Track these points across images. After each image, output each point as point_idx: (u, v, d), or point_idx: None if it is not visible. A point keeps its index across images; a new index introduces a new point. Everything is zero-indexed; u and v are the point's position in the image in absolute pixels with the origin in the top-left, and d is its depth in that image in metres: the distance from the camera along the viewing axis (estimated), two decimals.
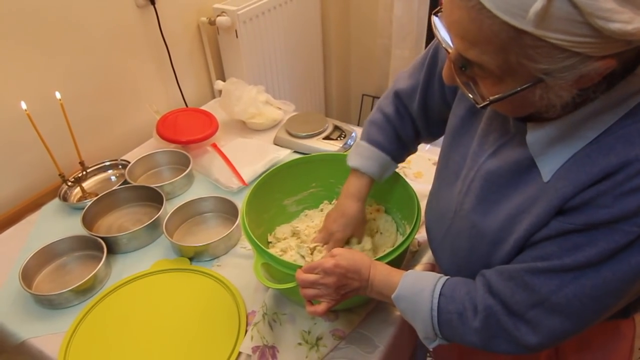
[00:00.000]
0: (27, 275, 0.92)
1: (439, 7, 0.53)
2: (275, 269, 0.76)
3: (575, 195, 0.49)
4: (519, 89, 0.47)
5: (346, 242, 0.87)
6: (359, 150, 0.84)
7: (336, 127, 1.32)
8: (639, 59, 0.45)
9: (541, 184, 0.54)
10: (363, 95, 2.19)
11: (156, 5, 1.30)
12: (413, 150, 0.89)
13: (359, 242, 0.88)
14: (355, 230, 0.86)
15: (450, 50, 0.51)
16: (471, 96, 0.51)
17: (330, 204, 1.01)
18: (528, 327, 0.55)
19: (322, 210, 1.00)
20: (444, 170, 0.72)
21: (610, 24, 0.38)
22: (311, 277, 0.67)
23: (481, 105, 0.50)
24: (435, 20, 0.54)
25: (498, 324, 0.57)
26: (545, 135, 0.53)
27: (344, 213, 0.84)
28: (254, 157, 1.22)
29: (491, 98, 0.49)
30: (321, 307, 0.68)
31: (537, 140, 0.54)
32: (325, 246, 0.84)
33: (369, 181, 0.84)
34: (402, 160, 0.88)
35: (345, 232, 0.84)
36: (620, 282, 0.49)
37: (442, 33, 0.53)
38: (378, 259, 0.73)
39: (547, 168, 0.53)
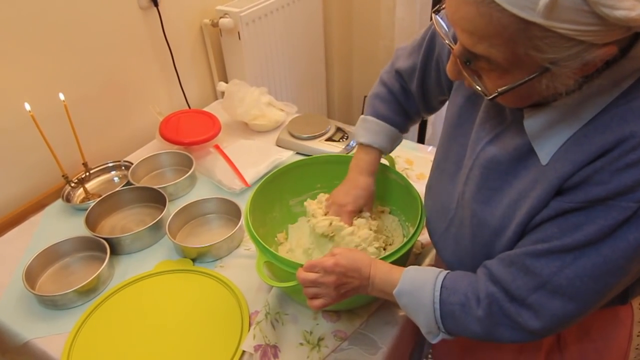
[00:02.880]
0: (31, 276, 0.92)
1: (439, 5, 0.54)
2: (278, 267, 0.76)
3: (573, 174, 0.50)
4: (526, 79, 0.48)
5: (357, 216, 0.86)
6: (367, 126, 0.86)
7: (338, 129, 1.32)
8: (631, 43, 0.46)
9: (540, 167, 0.55)
10: (365, 97, 2.18)
11: (159, 7, 1.31)
12: (417, 121, 0.92)
13: (370, 214, 0.87)
14: (367, 204, 0.86)
15: (453, 47, 0.52)
16: (480, 89, 0.52)
17: None
18: (530, 311, 0.55)
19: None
20: (444, 162, 0.73)
21: (615, 11, 0.40)
22: (311, 275, 0.68)
23: (490, 97, 0.51)
24: (437, 18, 0.55)
25: (501, 310, 0.57)
26: (542, 119, 0.54)
27: (356, 186, 0.84)
28: (256, 158, 1.22)
29: (499, 90, 0.50)
30: (318, 301, 0.69)
31: (534, 125, 0.55)
32: (339, 219, 0.83)
33: (378, 155, 0.86)
34: (407, 131, 0.91)
35: (357, 204, 0.84)
36: (621, 260, 0.50)
37: (444, 30, 0.53)
38: (384, 258, 0.73)
39: (545, 151, 0.54)
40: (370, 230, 0.84)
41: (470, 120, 0.67)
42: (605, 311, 0.67)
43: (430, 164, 1.20)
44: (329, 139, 1.29)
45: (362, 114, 0.90)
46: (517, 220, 0.57)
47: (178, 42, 1.42)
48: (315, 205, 0.88)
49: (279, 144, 1.32)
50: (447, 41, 0.53)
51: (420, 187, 0.93)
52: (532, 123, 0.55)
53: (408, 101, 0.86)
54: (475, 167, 0.63)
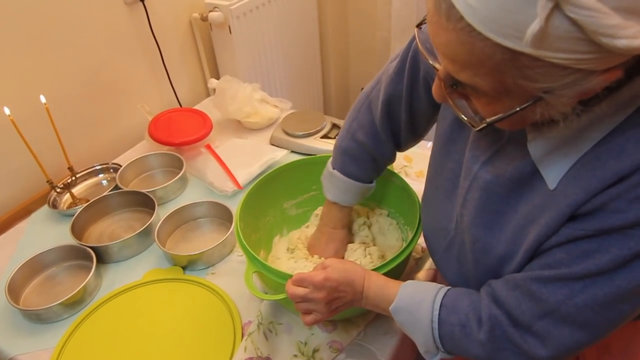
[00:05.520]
0: (14, 288, 0.88)
1: (422, 19, 0.48)
2: (269, 277, 0.72)
3: (587, 201, 0.46)
4: (517, 109, 0.43)
5: None
6: (336, 183, 0.81)
7: (334, 125, 1.28)
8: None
9: (547, 191, 0.50)
10: (362, 89, 2.14)
11: (145, 2, 1.26)
12: (390, 163, 0.86)
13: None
14: (342, 254, 0.86)
15: (438, 67, 0.47)
16: (466, 118, 0.48)
17: None
18: (536, 339, 0.52)
19: None
20: (438, 178, 0.68)
21: (616, 40, 0.35)
22: (300, 291, 0.64)
23: (478, 128, 0.46)
24: (420, 33, 0.50)
25: (504, 335, 0.53)
26: (547, 143, 0.49)
27: (335, 238, 0.84)
28: (249, 158, 1.18)
29: (488, 120, 0.45)
30: (310, 317, 0.65)
31: (539, 148, 0.50)
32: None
33: (348, 210, 0.84)
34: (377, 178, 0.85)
35: (338, 257, 0.84)
36: (637, 290, 0.46)
37: (428, 46, 0.48)
38: (379, 267, 0.70)
39: (552, 175, 0.49)
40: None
41: (464, 137, 0.62)
42: (627, 326, 0.63)
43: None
44: (325, 136, 1.24)
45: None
46: (525, 247, 0.52)
47: (166, 38, 1.37)
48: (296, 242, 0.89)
49: (273, 142, 1.27)
50: (430, 61, 0.48)
51: (420, 186, 0.89)
52: (535, 147, 0.50)
53: (382, 152, 0.79)
54: (472, 189, 0.58)
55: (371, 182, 0.83)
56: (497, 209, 0.56)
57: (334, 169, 0.81)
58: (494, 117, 0.45)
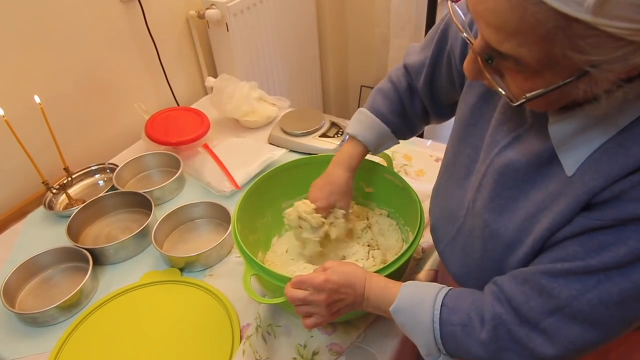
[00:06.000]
0: (10, 292, 0.87)
1: None
2: (268, 280, 0.71)
3: (605, 188, 0.44)
4: (560, 83, 0.41)
5: (331, 212, 0.82)
6: (360, 118, 0.80)
7: (333, 124, 1.27)
8: None
9: (564, 178, 0.48)
10: (362, 86, 2.13)
11: (141, 0, 1.24)
12: (419, 129, 0.84)
13: (345, 212, 0.83)
14: (340, 200, 0.81)
15: (473, 42, 0.45)
16: (504, 93, 0.45)
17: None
18: (544, 337, 0.50)
19: None
20: (453, 165, 0.66)
21: None
22: (300, 294, 0.63)
23: (517, 103, 0.44)
24: (454, 6, 0.48)
25: (509, 335, 0.52)
26: (571, 125, 0.47)
27: (331, 181, 0.80)
28: (247, 158, 1.16)
29: (528, 95, 0.43)
30: (310, 320, 0.64)
31: (561, 131, 0.48)
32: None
33: (362, 151, 0.80)
34: (405, 138, 0.84)
35: (329, 201, 0.80)
36: None
37: (462, 21, 0.46)
38: (380, 270, 0.69)
39: (571, 160, 0.47)
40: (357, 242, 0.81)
41: (485, 121, 0.60)
42: (629, 335, 0.62)
43: (430, 160, 1.17)
44: (324, 135, 1.23)
45: (359, 104, 0.84)
46: (535, 236, 0.51)
47: (163, 36, 1.35)
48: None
49: (272, 141, 1.26)
50: (465, 34, 0.46)
51: (420, 185, 0.88)
52: (558, 129, 0.48)
53: (412, 101, 0.79)
54: (489, 173, 0.57)
55: (393, 129, 0.79)
56: (511, 194, 0.54)
57: (364, 107, 0.81)
58: (534, 93, 0.43)
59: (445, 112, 0.79)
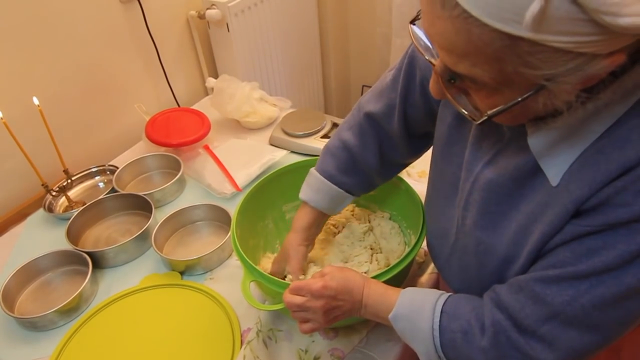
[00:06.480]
0: (9, 296, 0.87)
1: (416, 15, 0.46)
2: (268, 286, 0.70)
3: (591, 196, 0.44)
4: (519, 99, 0.41)
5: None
6: (309, 181, 0.76)
7: (335, 125, 1.26)
8: None
9: (549, 188, 0.48)
10: (363, 86, 2.12)
11: (141, 0, 1.23)
12: (377, 181, 0.79)
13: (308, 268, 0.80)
14: (287, 265, 0.77)
15: (434, 62, 0.45)
16: (466, 112, 0.46)
17: None
18: (543, 344, 0.49)
19: None
20: (439, 182, 0.66)
21: (620, 19, 0.33)
22: (297, 300, 0.62)
23: (479, 121, 0.45)
24: (414, 29, 0.48)
25: (508, 341, 0.51)
26: (548, 136, 0.47)
27: (283, 249, 0.77)
28: (248, 159, 1.16)
29: (489, 113, 0.44)
30: (306, 325, 0.64)
31: (540, 142, 0.48)
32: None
33: (316, 215, 0.76)
34: (366, 192, 0.79)
35: (279, 269, 0.78)
36: None
37: (423, 43, 0.46)
38: (383, 273, 0.68)
39: (554, 170, 0.47)
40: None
41: (463, 139, 0.60)
42: (638, 331, 0.61)
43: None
44: (325, 136, 1.22)
45: None
46: (529, 247, 0.50)
47: (163, 36, 1.35)
48: None
49: (272, 142, 1.25)
50: (426, 57, 0.46)
51: (422, 187, 0.86)
52: (536, 141, 0.48)
53: (366, 153, 0.74)
54: (475, 190, 0.56)
55: (346, 189, 0.75)
56: (500, 209, 0.54)
57: (313, 168, 0.77)
58: (494, 110, 0.43)
59: (420, 145, 0.75)
